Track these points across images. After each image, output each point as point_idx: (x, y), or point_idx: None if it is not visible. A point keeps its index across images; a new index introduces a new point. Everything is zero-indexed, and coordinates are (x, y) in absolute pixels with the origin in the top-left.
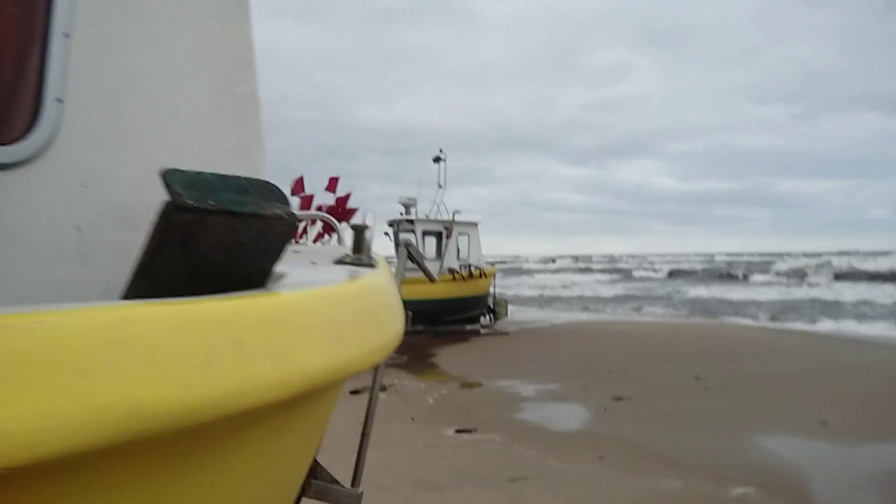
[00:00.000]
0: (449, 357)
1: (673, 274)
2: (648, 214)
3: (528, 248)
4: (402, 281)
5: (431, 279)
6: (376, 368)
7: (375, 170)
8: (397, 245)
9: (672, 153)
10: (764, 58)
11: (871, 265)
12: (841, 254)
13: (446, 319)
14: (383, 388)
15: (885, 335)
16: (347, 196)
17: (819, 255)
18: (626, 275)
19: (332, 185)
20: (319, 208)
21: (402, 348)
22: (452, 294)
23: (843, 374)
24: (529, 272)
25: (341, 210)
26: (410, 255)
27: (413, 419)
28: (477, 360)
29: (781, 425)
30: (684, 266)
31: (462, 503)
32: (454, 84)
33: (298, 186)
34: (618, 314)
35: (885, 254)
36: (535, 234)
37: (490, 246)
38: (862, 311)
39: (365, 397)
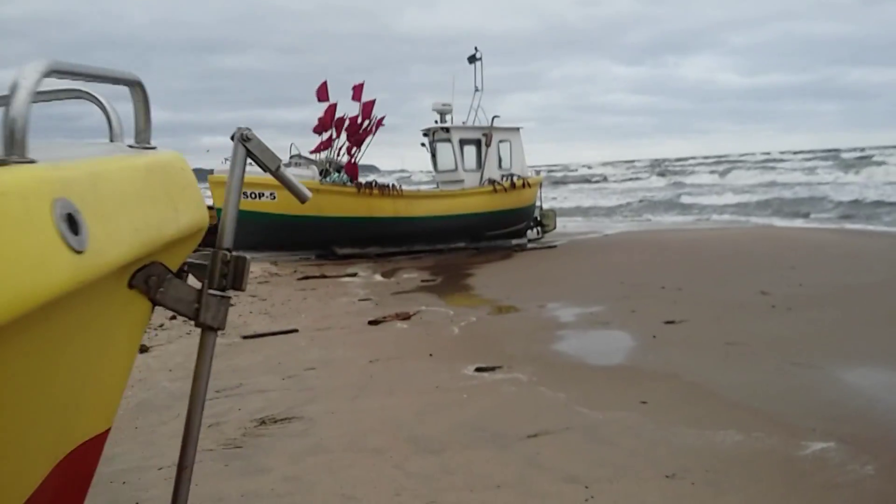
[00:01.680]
0: (486, 277)
1: (734, 173)
2: (711, 113)
3: (587, 154)
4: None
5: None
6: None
7: (425, 80)
8: (434, 156)
9: (734, 46)
10: None
11: None
12: None
13: (488, 235)
14: (406, 317)
15: None
16: (373, 102)
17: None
18: (686, 178)
19: (357, 92)
20: (342, 118)
21: (437, 269)
22: (493, 207)
23: None
24: (583, 179)
25: (366, 118)
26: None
27: (431, 355)
28: (516, 280)
29: (869, 353)
30: (747, 165)
31: (463, 470)
32: None
33: (323, 93)
34: (675, 222)
35: None
36: (592, 140)
37: (547, 154)
38: None
39: (387, 329)
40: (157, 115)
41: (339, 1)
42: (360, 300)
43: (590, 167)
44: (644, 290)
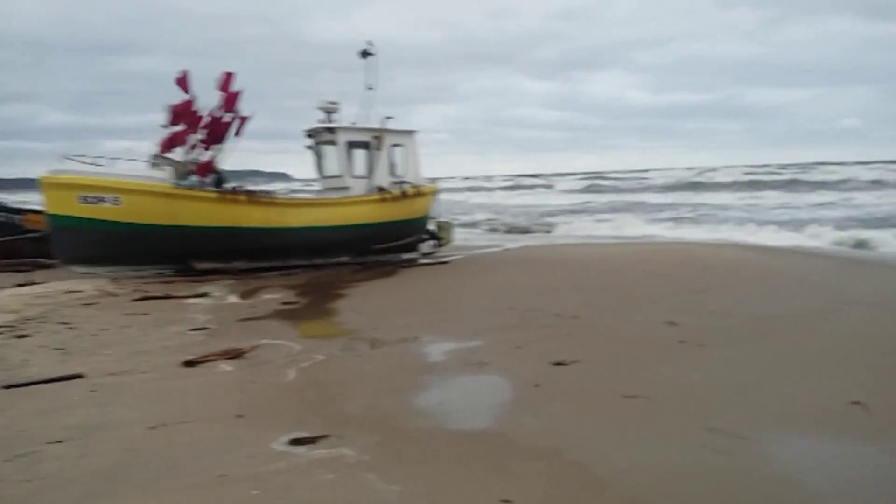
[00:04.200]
0: (359, 299)
1: (646, 189)
2: (621, 129)
3: (500, 167)
4: None
5: None
6: None
7: (335, 88)
8: (318, 160)
9: (641, 64)
10: None
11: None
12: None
13: (376, 248)
14: (236, 355)
15: None
16: (237, 94)
17: (791, 166)
18: (597, 192)
19: (226, 82)
20: (196, 113)
21: (306, 288)
22: (381, 217)
23: (870, 316)
24: (489, 190)
25: (228, 110)
26: None
27: (240, 416)
28: (393, 303)
29: (805, 412)
30: (656, 181)
31: None
32: None
33: (183, 84)
34: (583, 236)
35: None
36: (505, 153)
37: (460, 166)
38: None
39: (204, 373)
40: (54, 117)
41: (245, 6)
42: (192, 330)
43: (512, 179)
44: (536, 317)
